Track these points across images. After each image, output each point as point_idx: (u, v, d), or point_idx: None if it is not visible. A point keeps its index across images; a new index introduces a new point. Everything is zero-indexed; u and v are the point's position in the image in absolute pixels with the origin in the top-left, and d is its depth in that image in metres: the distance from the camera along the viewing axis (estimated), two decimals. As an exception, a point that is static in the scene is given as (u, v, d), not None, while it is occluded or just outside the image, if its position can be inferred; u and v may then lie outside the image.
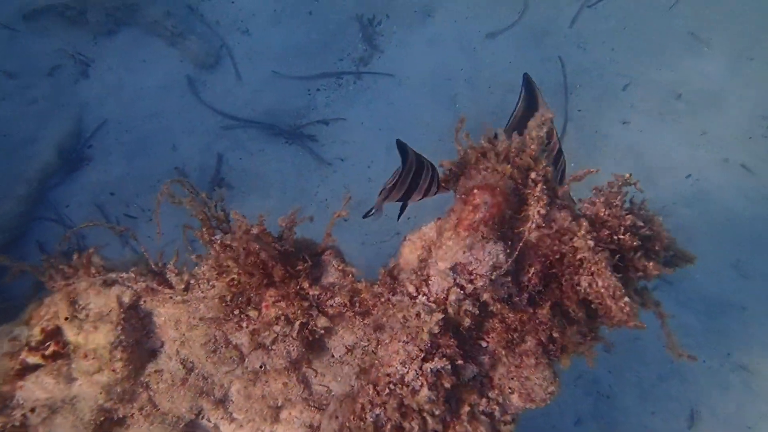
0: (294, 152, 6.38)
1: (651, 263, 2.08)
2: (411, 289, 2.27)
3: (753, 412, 5.14)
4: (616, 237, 2.09)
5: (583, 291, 2.13)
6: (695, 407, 5.17)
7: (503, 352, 2.37)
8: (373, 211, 2.44)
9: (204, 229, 2.56)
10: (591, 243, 2.04)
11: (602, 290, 2.07)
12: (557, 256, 2.20)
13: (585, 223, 2.08)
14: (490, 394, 2.42)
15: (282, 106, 6.58)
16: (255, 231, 2.38)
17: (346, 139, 6.44)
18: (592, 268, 2.06)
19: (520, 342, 2.36)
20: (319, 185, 6.22)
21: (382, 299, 2.53)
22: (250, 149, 6.35)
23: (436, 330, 2.19)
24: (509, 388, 2.40)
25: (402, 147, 2.31)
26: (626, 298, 2.03)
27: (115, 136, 6.17)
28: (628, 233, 2.07)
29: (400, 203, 2.64)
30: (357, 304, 2.66)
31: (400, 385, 2.23)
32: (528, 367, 2.37)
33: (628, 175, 2.28)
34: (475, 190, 2.22)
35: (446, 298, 2.21)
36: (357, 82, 6.76)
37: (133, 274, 2.87)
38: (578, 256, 2.08)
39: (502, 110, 6.69)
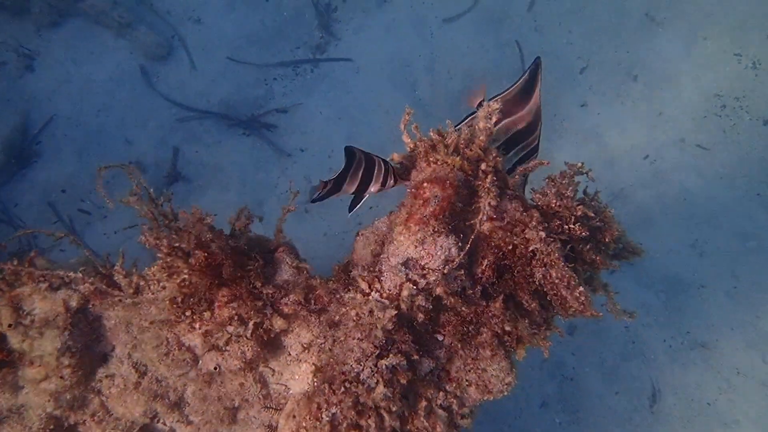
0: (252, 143, 6.26)
1: (598, 256, 2.07)
2: (363, 285, 2.22)
3: (712, 388, 5.25)
4: (566, 227, 2.07)
5: (537, 282, 2.12)
6: (657, 385, 5.27)
7: (459, 345, 2.34)
8: (314, 197, 2.39)
9: (149, 233, 2.46)
10: (542, 234, 2.02)
11: (556, 281, 2.05)
12: (510, 248, 2.17)
13: (536, 214, 2.06)
14: (447, 388, 2.40)
15: (238, 97, 6.44)
16: (209, 220, 2.31)
17: (305, 129, 6.34)
18: (545, 260, 2.05)
19: (476, 334, 2.33)
20: (279, 177, 6.12)
21: (337, 296, 2.49)
22: (207, 141, 6.21)
23: (390, 326, 2.15)
24: (466, 380, 2.38)
25: (348, 150, 2.27)
26: (581, 288, 2.02)
27: (64, 131, 5.96)
28: (579, 223, 2.05)
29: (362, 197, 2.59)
30: (312, 301, 2.61)
31: (355, 383, 2.19)
32: (484, 359, 2.35)
33: (580, 164, 2.26)
34: (425, 184, 2.17)
35: (399, 294, 2.17)
36: (314, 70, 6.65)
37: (80, 275, 2.76)
38: (530, 248, 2.06)
39: (461, 96, 6.66)
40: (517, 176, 2.31)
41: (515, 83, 2.83)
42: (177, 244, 2.41)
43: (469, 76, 6.76)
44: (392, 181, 2.52)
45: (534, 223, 2.05)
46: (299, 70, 6.65)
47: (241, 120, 6.30)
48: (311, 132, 6.34)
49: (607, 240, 2.15)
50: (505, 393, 2.37)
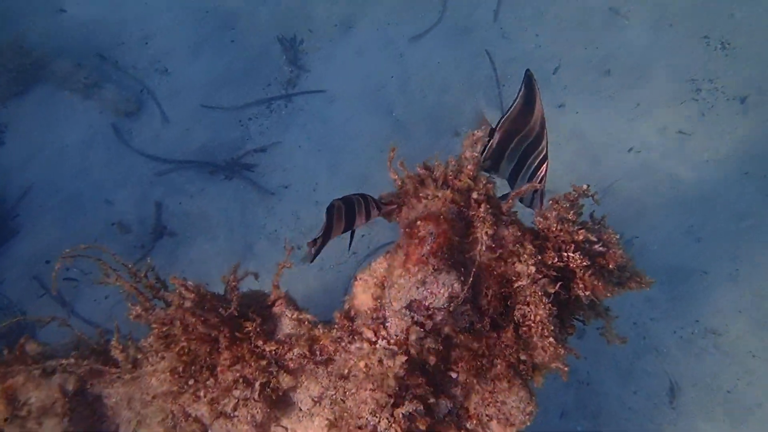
0: (235, 187, 6.18)
1: (600, 283, 2.00)
2: (369, 334, 2.14)
3: (729, 375, 5.18)
4: (565, 254, 2.00)
5: (517, 319, 2.04)
6: (674, 379, 5.19)
7: (475, 381, 2.26)
8: (309, 260, 2.36)
9: (139, 307, 2.37)
10: (532, 269, 1.94)
11: (532, 324, 1.98)
12: (508, 279, 2.10)
13: (529, 247, 1.99)
14: (468, 426, 2.31)
15: (215, 142, 6.37)
16: (188, 304, 2.20)
17: (286, 165, 6.27)
18: (528, 299, 1.98)
19: (490, 367, 2.25)
20: (266, 217, 6.04)
21: (343, 344, 2.41)
22: (189, 191, 6.12)
23: (402, 373, 2.07)
24: (486, 415, 2.30)
25: (329, 207, 2.24)
26: (551, 339, 1.95)
27: (42, 200, 5.86)
28: (578, 252, 1.98)
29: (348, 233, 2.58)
30: (318, 352, 2.53)
31: (373, 437, 2.10)
32: (502, 391, 2.27)
33: (585, 186, 2.20)
34: (419, 222, 2.11)
35: (407, 339, 2.09)
36: (288, 105, 6.60)
37: (73, 359, 2.66)
38: (515, 284, 1.99)
39: (438, 112, 6.63)
40: (510, 201, 2.25)
41: (515, 100, 2.80)
42: (170, 317, 2.32)
43: (443, 91, 6.74)
44: (376, 212, 2.51)
45: (525, 255, 1.98)
46: (273, 106, 6.60)
47: (221, 165, 6.22)
48: (293, 167, 6.28)
49: (611, 266, 2.08)
50: (528, 423, 2.29)
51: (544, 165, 2.76)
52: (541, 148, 2.76)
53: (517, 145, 2.81)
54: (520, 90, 2.77)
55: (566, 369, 2.12)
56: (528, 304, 1.99)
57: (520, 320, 2.04)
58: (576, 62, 6.86)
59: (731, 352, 5.30)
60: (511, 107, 2.83)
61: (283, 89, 6.67)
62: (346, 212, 2.38)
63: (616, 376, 5.17)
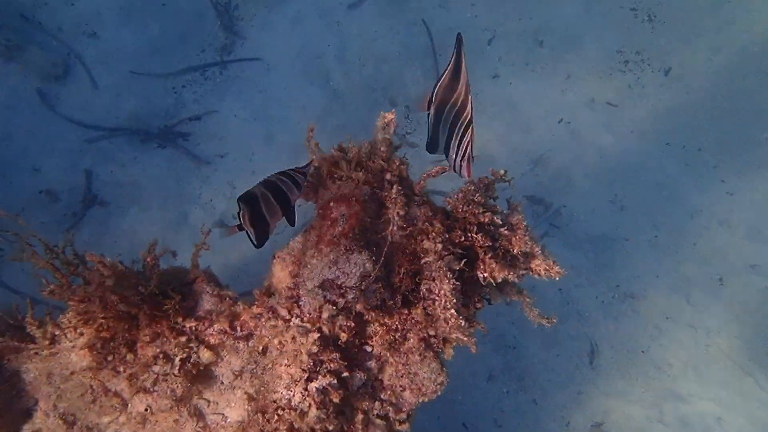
0: (169, 156, 6.08)
1: (496, 265, 2.11)
2: (283, 312, 2.22)
3: (645, 336, 5.52)
4: (469, 235, 2.11)
5: (421, 294, 2.14)
6: (594, 341, 5.49)
7: (389, 354, 2.37)
8: (259, 243, 2.30)
9: (54, 286, 2.37)
10: (439, 247, 2.04)
11: (436, 297, 2.08)
12: (417, 256, 2.20)
13: (438, 225, 2.08)
14: (382, 396, 2.43)
15: (147, 109, 6.23)
16: (109, 282, 2.22)
17: (222, 134, 6.20)
18: (434, 274, 2.08)
19: (404, 341, 2.36)
20: (201, 186, 5.98)
21: (262, 320, 2.47)
22: (121, 160, 5.99)
23: (315, 349, 2.16)
24: (400, 386, 2.42)
25: (243, 200, 2.19)
26: (453, 311, 2.05)
27: (-37, 169, 5.65)
28: (481, 233, 2.08)
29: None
30: (239, 328, 2.59)
31: (288, 410, 2.19)
32: (414, 364, 2.39)
33: (502, 171, 2.28)
34: (331, 204, 2.17)
35: (320, 317, 2.17)
36: (224, 72, 6.49)
37: (-15, 338, 2.64)
38: (422, 260, 2.09)
39: (377, 82, 6.65)
40: (422, 182, 2.33)
41: (446, 67, 2.74)
42: (84, 296, 2.33)
43: (381, 60, 6.74)
44: (305, 181, 2.47)
45: (434, 234, 2.07)
46: (207, 74, 6.47)
47: (155, 133, 6.10)
48: (228, 136, 6.21)
49: (514, 251, 2.19)
50: (439, 392, 2.42)
51: (470, 130, 2.74)
52: (466, 113, 2.72)
53: (448, 115, 2.77)
54: (451, 57, 2.73)
55: (473, 341, 2.24)
56: (434, 279, 2.09)
57: (426, 294, 2.14)
58: (510, 33, 6.96)
59: (647, 314, 5.64)
60: (442, 75, 2.79)
61: (218, 56, 6.54)
62: (277, 198, 2.32)
63: (541, 340, 5.43)
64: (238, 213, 2.24)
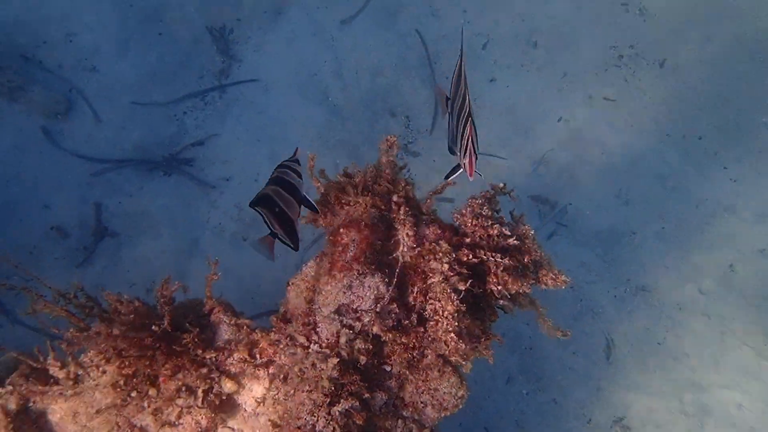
0: (175, 183, 6.15)
1: (509, 277, 2.16)
2: (302, 339, 2.27)
3: (660, 328, 5.54)
4: (479, 251, 2.15)
5: (427, 313, 2.18)
6: (609, 337, 5.51)
7: (407, 372, 2.42)
8: (292, 244, 2.29)
9: (73, 331, 2.43)
10: (445, 267, 2.09)
11: (439, 318, 2.12)
12: (426, 275, 2.24)
13: (444, 246, 2.13)
14: (404, 414, 2.48)
15: (151, 138, 6.30)
16: (116, 331, 2.27)
17: (225, 158, 6.27)
18: (439, 295, 2.12)
19: (421, 358, 2.41)
20: (209, 211, 6.05)
21: (281, 346, 2.52)
22: (128, 190, 6.07)
23: (335, 374, 2.20)
24: (421, 402, 2.47)
25: (260, 203, 2.21)
26: (452, 334, 2.10)
27: (-24, 211, 5.73)
28: (492, 248, 2.13)
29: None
30: (258, 356, 2.64)
31: (313, 435, 2.24)
32: (434, 379, 2.43)
33: (502, 184, 2.33)
34: (342, 230, 2.22)
35: (337, 341, 2.22)
36: (223, 96, 6.56)
37: (11, 386, 2.70)
38: (428, 281, 2.14)
39: (375, 94, 6.71)
40: (429, 200, 2.38)
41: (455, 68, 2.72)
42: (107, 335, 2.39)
43: (378, 73, 6.80)
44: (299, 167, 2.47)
45: (440, 253, 2.12)
46: (207, 99, 6.55)
47: (159, 161, 6.18)
48: (232, 159, 6.28)
49: (525, 260, 2.23)
50: (460, 406, 2.47)
51: (469, 123, 2.70)
52: (465, 106, 2.69)
53: (453, 111, 2.74)
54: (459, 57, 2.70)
55: (490, 353, 2.28)
56: (439, 300, 2.14)
57: (431, 315, 2.19)
58: (504, 36, 7.00)
59: (660, 306, 5.66)
60: (453, 77, 2.77)
61: (216, 80, 6.62)
62: (291, 195, 2.34)
63: (557, 339, 5.44)
64: (264, 220, 2.21)
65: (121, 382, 2.61)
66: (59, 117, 6.25)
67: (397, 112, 6.63)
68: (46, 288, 2.54)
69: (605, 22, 7.07)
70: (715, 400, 5.17)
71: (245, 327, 2.67)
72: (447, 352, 2.15)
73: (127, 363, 2.57)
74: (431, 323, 2.19)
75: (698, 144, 6.46)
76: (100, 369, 2.70)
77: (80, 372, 2.76)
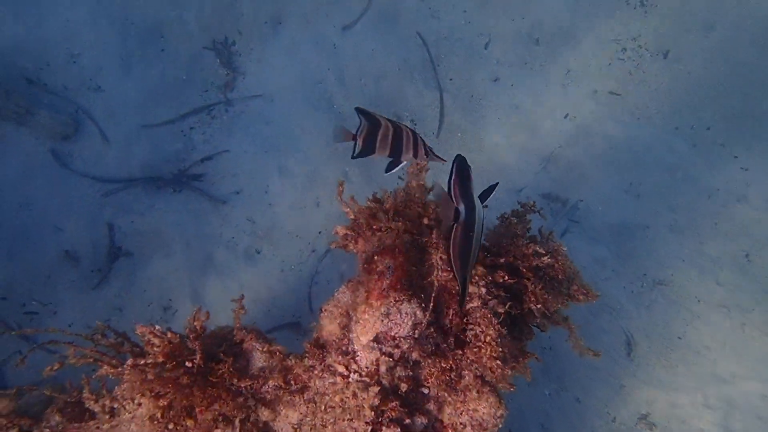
0: (185, 199, 6.14)
1: (548, 295, 2.15)
2: (341, 369, 2.27)
3: (679, 322, 5.54)
4: (518, 270, 2.15)
5: (469, 339, 2.19)
6: (629, 333, 5.52)
7: (446, 394, 2.42)
8: (354, 155, 2.52)
9: (108, 366, 2.43)
10: (483, 290, 2.09)
11: (483, 345, 2.13)
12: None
13: (480, 269, 2.13)
14: (444, 435, 2.48)
15: (159, 156, 6.30)
16: (150, 376, 2.28)
17: (234, 171, 6.26)
18: (479, 320, 2.12)
19: (459, 379, 2.41)
20: (221, 226, 6.04)
21: (316, 371, 2.52)
22: (139, 209, 6.07)
23: (377, 403, 2.21)
24: (461, 423, 2.47)
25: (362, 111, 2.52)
26: (498, 362, 2.10)
27: (-12, 238, 5.73)
28: (528, 267, 2.13)
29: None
30: (292, 382, 2.64)
31: (357, 462, 2.24)
32: (472, 400, 2.43)
33: (532, 202, 2.34)
34: (376, 257, 2.22)
35: (377, 370, 2.22)
36: (229, 109, 6.55)
37: (47, 428, 2.71)
38: (467, 306, 2.14)
39: (379, 99, 6.70)
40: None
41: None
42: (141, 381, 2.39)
43: (381, 77, 6.79)
44: (423, 152, 2.54)
45: (476, 277, 2.12)
46: (214, 113, 6.54)
47: (169, 178, 6.17)
48: (241, 172, 6.27)
49: (560, 276, 2.24)
50: (500, 426, 2.47)
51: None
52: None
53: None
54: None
55: (527, 371, 2.28)
56: (479, 325, 2.14)
57: (472, 340, 2.19)
58: (505, 35, 6.99)
59: (678, 300, 5.66)
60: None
61: (221, 94, 6.60)
62: (394, 138, 2.52)
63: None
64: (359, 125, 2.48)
65: (158, 415, 2.61)
66: (67, 139, 6.24)
67: (403, 116, 6.62)
68: (72, 336, 2.54)
69: (605, 15, 7.06)
70: (740, 392, 5.18)
71: (278, 353, 2.67)
72: (493, 379, 2.15)
73: (162, 394, 2.57)
74: (474, 350, 2.19)
75: (706, 134, 6.45)
76: (135, 401, 2.71)
77: (115, 405, 2.76)
